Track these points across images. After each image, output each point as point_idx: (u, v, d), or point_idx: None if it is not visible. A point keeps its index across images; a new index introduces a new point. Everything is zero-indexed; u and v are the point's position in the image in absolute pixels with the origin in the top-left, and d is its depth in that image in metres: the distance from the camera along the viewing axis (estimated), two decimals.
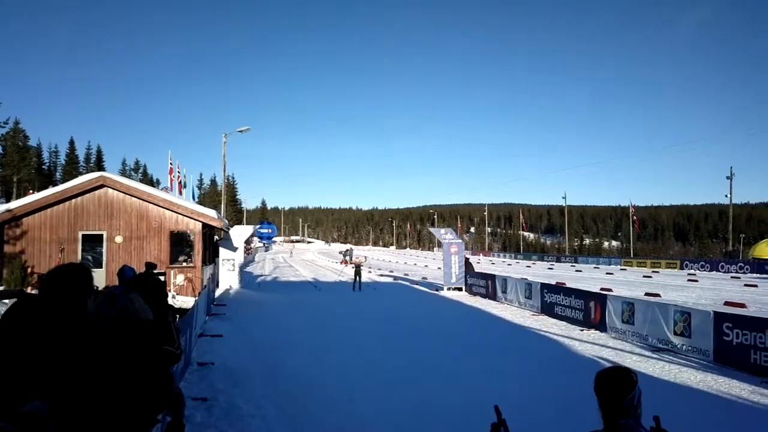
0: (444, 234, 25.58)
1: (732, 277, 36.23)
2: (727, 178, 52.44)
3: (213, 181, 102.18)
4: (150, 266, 5.48)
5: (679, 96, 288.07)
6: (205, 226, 20.11)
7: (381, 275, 35.11)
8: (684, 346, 10.80)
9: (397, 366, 9.67)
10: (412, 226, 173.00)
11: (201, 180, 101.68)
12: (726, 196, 53.74)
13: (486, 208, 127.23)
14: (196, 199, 41.92)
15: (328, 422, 6.45)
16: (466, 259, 25.13)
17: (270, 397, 7.36)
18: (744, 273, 40.22)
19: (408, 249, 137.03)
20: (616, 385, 2.24)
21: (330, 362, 9.82)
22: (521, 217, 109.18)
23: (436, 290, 24.43)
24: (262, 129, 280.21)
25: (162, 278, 9.65)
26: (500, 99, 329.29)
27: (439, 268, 29.69)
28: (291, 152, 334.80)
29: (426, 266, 47.74)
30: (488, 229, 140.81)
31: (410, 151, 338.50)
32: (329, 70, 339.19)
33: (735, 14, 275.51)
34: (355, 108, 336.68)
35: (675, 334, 11.05)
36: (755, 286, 28.04)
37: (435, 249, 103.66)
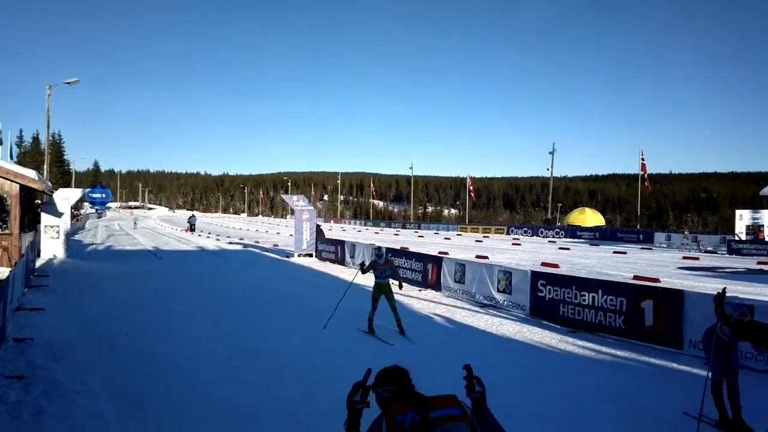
0: (296, 201, 25.53)
1: (549, 241, 41.12)
2: (550, 153, 58.66)
3: (35, 139, 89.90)
4: None
5: (511, 78, 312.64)
6: (23, 188, 17.89)
7: (230, 243, 34.17)
8: (505, 302, 12.11)
9: (241, 333, 9.60)
10: (265, 193, 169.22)
11: (21, 137, 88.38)
12: (548, 169, 60.20)
13: (339, 176, 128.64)
14: (15, 159, 36.76)
15: (159, 394, 6.24)
16: (318, 226, 25.42)
17: (98, 371, 6.90)
18: (560, 237, 45.81)
19: (260, 216, 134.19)
20: (403, 372, 2.52)
21: (169, 332, 9.43)
22: (372, 185, 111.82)
23: (287, 257, 24.44)
24: (95, 82, 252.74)
25: None
26: (354, 67, 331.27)
27: (291, 235, 29.61)
28: (130, 109, 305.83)
29: (278, 233, 47.32)
30: (341, 197, 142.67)
31: (263, 115, 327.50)
32: (174, 17, 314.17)
33: None
34: (204, 64, 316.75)
35: (498, 291, 12.34)
36: (568, 249, 32.13)
37: (288, 216, 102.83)
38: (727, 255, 29.96)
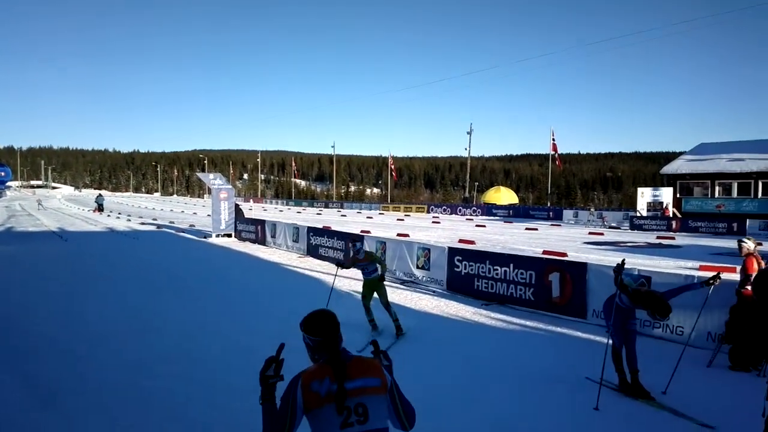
0: (213, 179, 24.77)
1: (467, 219, 42.48)
2: (467, 133, 60.19)
3: None
4: None
5: (431, 60, 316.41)
6: None
7: (142, 223, 32.68)
8: (424, 278, 12.42)
9: (155, 314, 9.27)
10: (180, 172, 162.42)
11: None
12: (465, 149, 61.84)
13: (259, 154, 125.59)
14: None
15: (66, 378, 5.98)
16: (237, 205, 24.84)
17: (2, 359, 6.47)
18: (476, 215, 47.35)
19: (175, 196, 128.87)
20: (332, 323, 2.44)
21: (76, 318, 8.95)
22: (293, 164, 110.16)
23: (204, 237, 23.75)
24: None
25: None
26: (274, 43, 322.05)
27: (208, 215, 28.70)
28: (30, 81, 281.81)
29: (195, 213, 45.75)
30: (261, 176, 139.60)
31: (177, 89, 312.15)
32: None
33: None
34: (108, 32, 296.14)
35: (417, 267, 12.63)
36: (484, 226, 33.31)
37: (205, 196, 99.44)
38: (630, 230, 32.17)
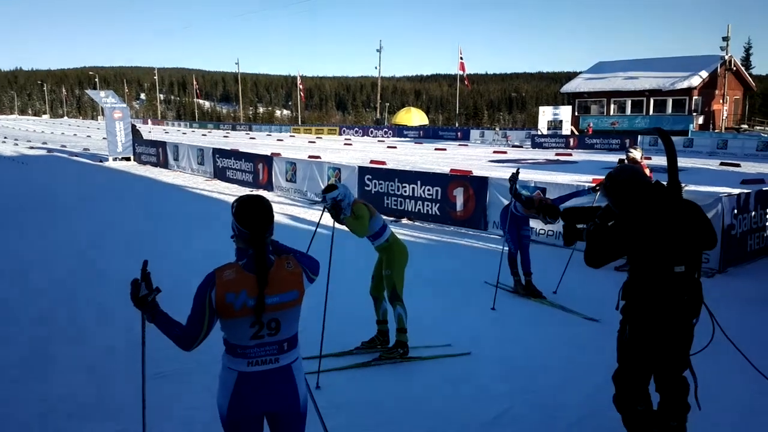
0: (105, 98, 22.98)
1: (379, 141, 42.63)
2: (377, 51, 59.22)
3: None
4: None
5: None
6: None
7: (31, 148, 30.20)
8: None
9: (51, 242, 8.79)
10: (69, 91, 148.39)
11: None
12: (376, 67, 61.06)
13: (156, 71, 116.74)
14: None
15: None
16: (133, 127, 23.41)
17: None
18: (388, 137, 47.59)
19: (66, 118, 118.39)
20: (265, 217, 2.21)
21: None
22: (195, 83, 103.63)
23: (101, 161, 22.36)
24: None
25: None
26: None
27: (104, 138, 26.80)
28: None
29: (89, 136, 42.62)
30: (160, 96, 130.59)
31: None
32: None
33: None
34: None
35: None
36: (395, 147, 33.68)
37: (99, 118, 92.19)
38: (531, 148, 33.78)
